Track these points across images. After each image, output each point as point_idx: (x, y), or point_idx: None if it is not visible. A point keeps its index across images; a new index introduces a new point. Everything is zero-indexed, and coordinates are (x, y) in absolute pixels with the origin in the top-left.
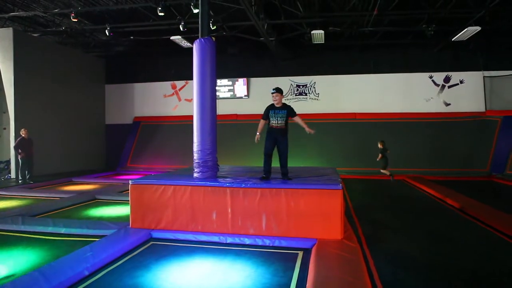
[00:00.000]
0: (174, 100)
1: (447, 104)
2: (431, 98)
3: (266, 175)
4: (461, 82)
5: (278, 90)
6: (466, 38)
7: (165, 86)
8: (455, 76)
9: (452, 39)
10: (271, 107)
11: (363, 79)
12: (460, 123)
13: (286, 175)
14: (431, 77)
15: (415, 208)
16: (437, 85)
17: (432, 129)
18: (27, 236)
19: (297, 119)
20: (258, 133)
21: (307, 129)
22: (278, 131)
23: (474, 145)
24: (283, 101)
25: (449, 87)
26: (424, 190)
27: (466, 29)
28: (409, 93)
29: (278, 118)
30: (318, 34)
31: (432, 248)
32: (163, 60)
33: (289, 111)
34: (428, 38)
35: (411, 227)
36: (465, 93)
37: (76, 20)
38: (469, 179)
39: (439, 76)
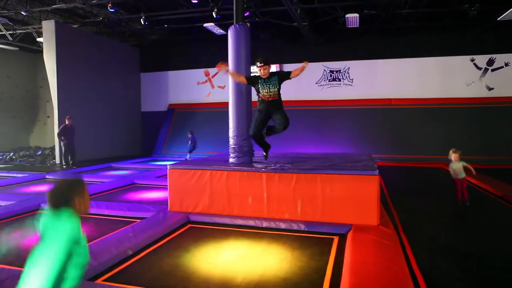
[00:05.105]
0: (207, 87)
1: (490, 89)
2: (472, 82)
3: (265, 152)
4: (506, 65)
5: (266, 62)
6: None
7: (199, 74)
8: (500, 58)
9: (498, 19)
10: (259, 77)
11: (399, 63)
12: (504, 109)
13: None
14: (472, 60)
15: (453, 196)
16: (479, 68)
17: (472, 115)
18: None
19: (294, 73)
20: (229, 69)
21: (303, 64)
22: (271, 103)
23: None
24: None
25: (492, 70)
26: None
27: None
28: (448, 78)
29: (270, 86)
30: (352, 18)
31: (471, 236)
32: (196, 48)
33: (281, 75)
34: (471, 18)
35: (449, 215)
36: (510, 76)
37: (112, 10)
38: None
39: (482, 59)
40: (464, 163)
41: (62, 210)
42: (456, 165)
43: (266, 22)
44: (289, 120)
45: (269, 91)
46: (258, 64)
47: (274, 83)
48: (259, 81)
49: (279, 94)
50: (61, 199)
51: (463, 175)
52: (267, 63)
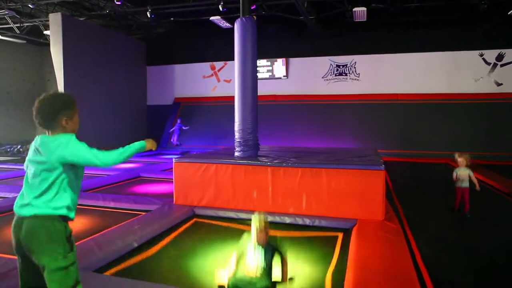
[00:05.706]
0: (213, 81)
1: (499, 84)
2: (481, 77)
3: None
4: None
5: (268, 224)
6: None
7: (204, 67)
8: (509, 53)
9: (508, 13)
10: (248, 241)
11: (406, 58)
12: None
13: None
14: (481, 55)
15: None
16: (488, 63)
17: (481, 111)
18: (80, 208)
19: (286, 266)
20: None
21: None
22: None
23: None
24: None
25: (501, 65)
26: None
27: None
28: (456, 73)
29: (260, 258)
30: (360, 12)
31: (476, 232)
32: (202, 41)
33: (277, 252)
34: (480, 12)
35: (454, 211)
36: None
37: (119, 3)
38: None
39: (491, 54)
40: (471, 173)
41: (50, 129)
42: (462, 171)
43: (272, 16)
44: None
45: (258, 266)
46: (257, 222)
47: (268, 255)
48: (248, 246)
49: (269, 277)
50: (48, 118)
51: (465, 184)
52: (268, 225)
